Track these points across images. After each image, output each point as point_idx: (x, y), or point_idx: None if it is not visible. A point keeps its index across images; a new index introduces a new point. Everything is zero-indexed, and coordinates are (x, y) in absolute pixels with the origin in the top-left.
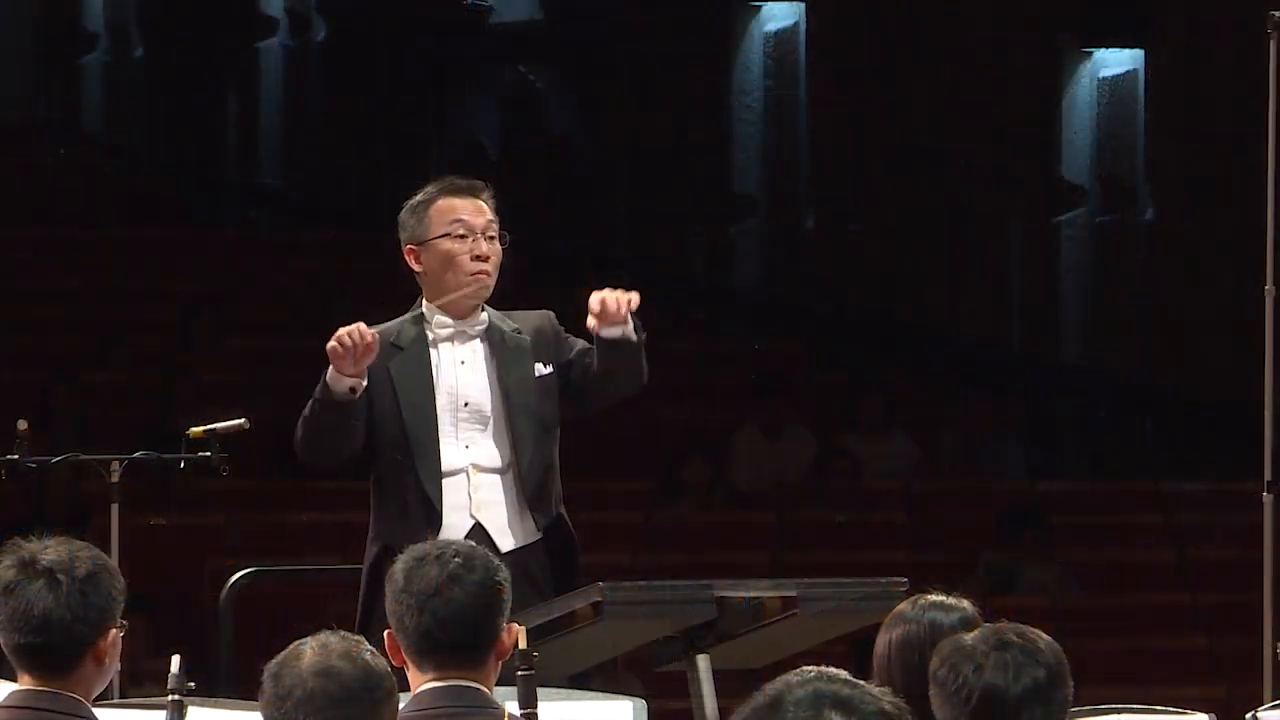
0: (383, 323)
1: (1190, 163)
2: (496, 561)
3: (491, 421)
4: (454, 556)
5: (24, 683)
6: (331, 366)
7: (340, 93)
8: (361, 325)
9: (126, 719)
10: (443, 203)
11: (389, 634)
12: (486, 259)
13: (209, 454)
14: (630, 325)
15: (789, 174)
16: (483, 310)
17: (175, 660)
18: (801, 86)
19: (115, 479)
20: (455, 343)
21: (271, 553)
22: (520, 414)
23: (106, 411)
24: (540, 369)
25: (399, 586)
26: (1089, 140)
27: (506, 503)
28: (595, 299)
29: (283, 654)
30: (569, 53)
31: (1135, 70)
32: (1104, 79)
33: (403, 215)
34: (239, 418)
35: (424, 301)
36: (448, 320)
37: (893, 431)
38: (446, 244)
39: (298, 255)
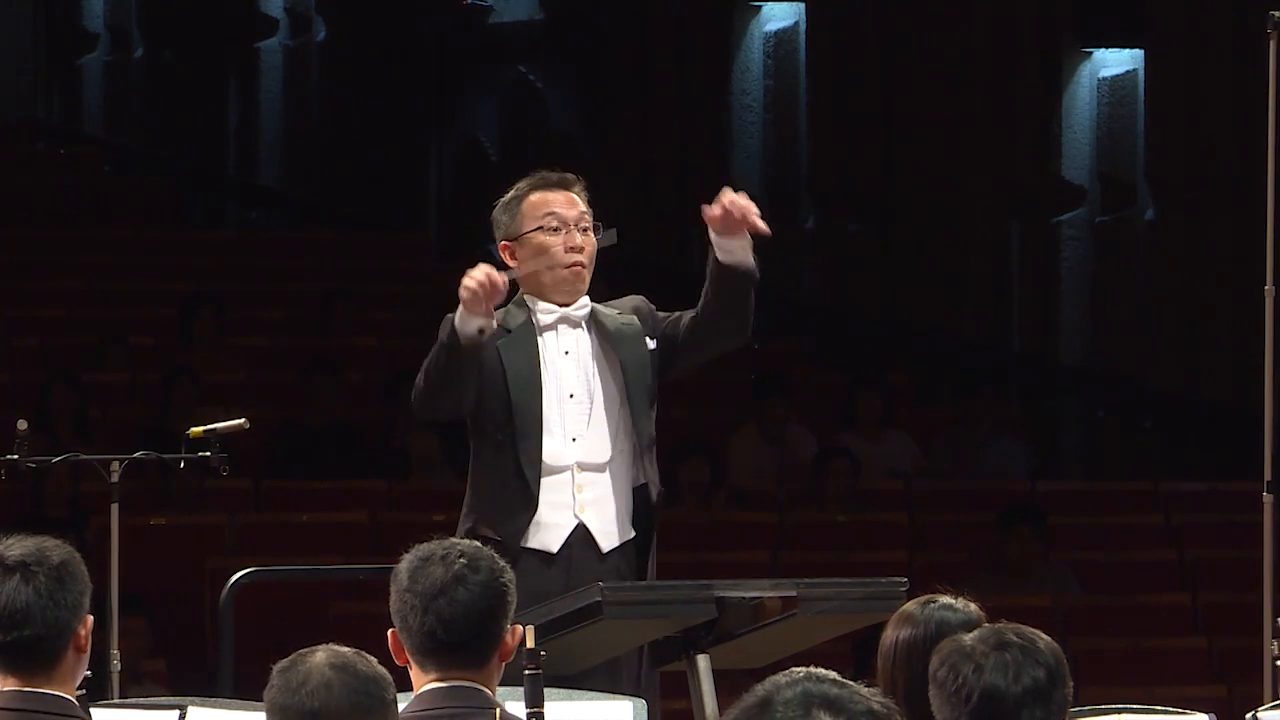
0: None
1: (1190, 163)
2: (501, 562)
3: (596, 412)
4: (459, 557)
5: (8, 684)
6: (461, 309)
7: (340, 93)
8: (490, 270)
9: (126, 719)
10: (535, 197)
11: (392, 633)
12: (581, 250)
13: (209, 454)
14: (749, 253)
15: (789, 174)
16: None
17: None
18: (801, 86)
19: (115, 479)
20: (560, 330)
21: (271, 553)
22: (639, 391)
23: (106, 411)
24: (650, 343)
25: (403, 586)
26: (1089, 140)
27: (612, 498)
28: (716, 207)
29: (292, 655)
30: (569, 53)
31: (1135, 70)
32: (1104, 79)
33: (495, 213)
34: (239, 418)
35: (526, 297)
36: (552, 306)
37: (893, 431)
38: (540, 237)
39: (298, 255)
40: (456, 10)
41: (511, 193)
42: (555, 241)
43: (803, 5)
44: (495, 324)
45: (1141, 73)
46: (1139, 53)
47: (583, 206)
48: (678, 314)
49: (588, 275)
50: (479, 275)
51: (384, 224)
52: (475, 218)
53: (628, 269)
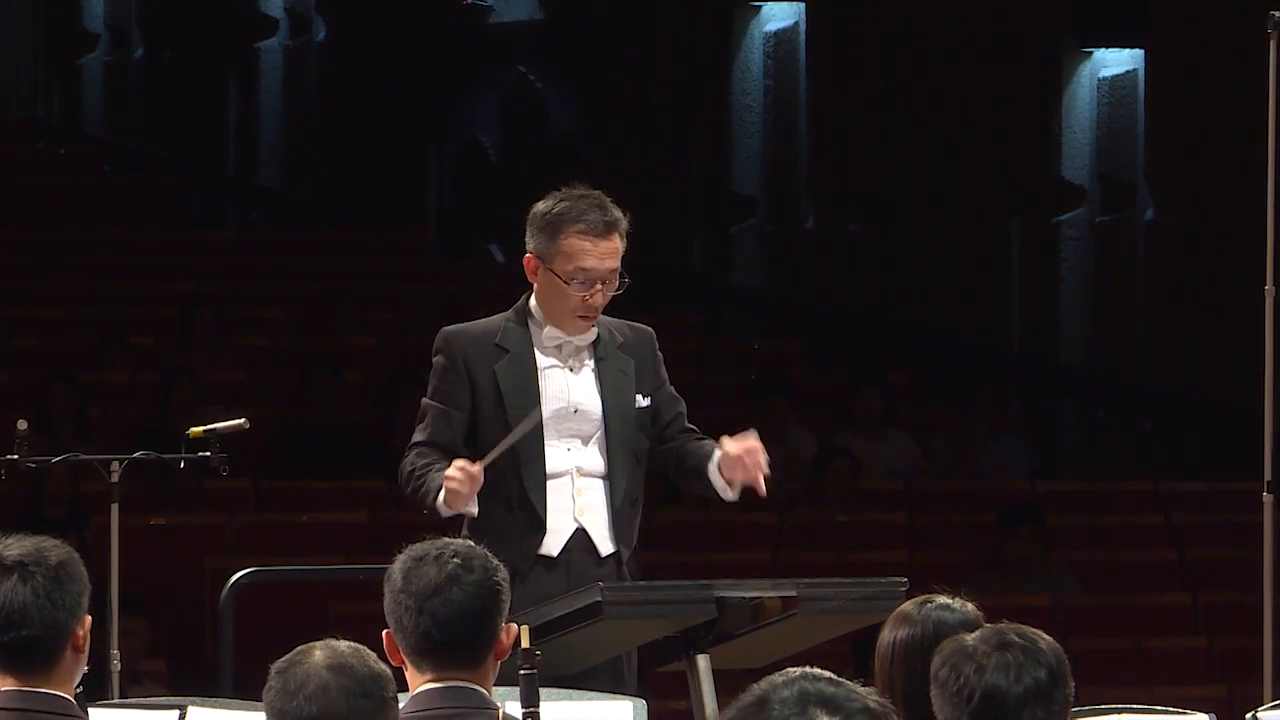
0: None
1: (1190, 163)
2: (495, 562)
3: (599, 431)
4: (453, 557)
5: (6, 684)
6: (444, 496)
7: (340, 93)
8: (465, 465)
9: (126, 719)
10: (575, 242)
11: (387, 634)
12: (597, 307)
13: (209, 454)
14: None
15: (789, 174)
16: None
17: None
18: (801, 86)
19: (115, 479)
20: (563, 349)
21: (271, 553)
22: (616, 442)
23: (106, 411)
24: (641, 401)
25: (397, 586)
26: (1089, 140)
27: (607, 506)
28: (737, 446)
29: (290, 654)
30: (569, 53)
31: (1135, 70)
32: (1104, 79)
33: (534, 216)
34: (239, 418)
35: (532, 304)
36: (557, 334)
37: (893, 431)
38: (563, 286)
39: (298, 255)
40: (456, 10)
41: (556, 209)
42: (576, 295)
43: (803, 5)
44: (476, 510)
45: (1141, 73)
46: (1139, 53)
47: (616, 260)
48: (677, 412)
49: (594, 322)
50: (458, 476)
51: (384, 224)
52: (475, 218)
53: (627, 269)
